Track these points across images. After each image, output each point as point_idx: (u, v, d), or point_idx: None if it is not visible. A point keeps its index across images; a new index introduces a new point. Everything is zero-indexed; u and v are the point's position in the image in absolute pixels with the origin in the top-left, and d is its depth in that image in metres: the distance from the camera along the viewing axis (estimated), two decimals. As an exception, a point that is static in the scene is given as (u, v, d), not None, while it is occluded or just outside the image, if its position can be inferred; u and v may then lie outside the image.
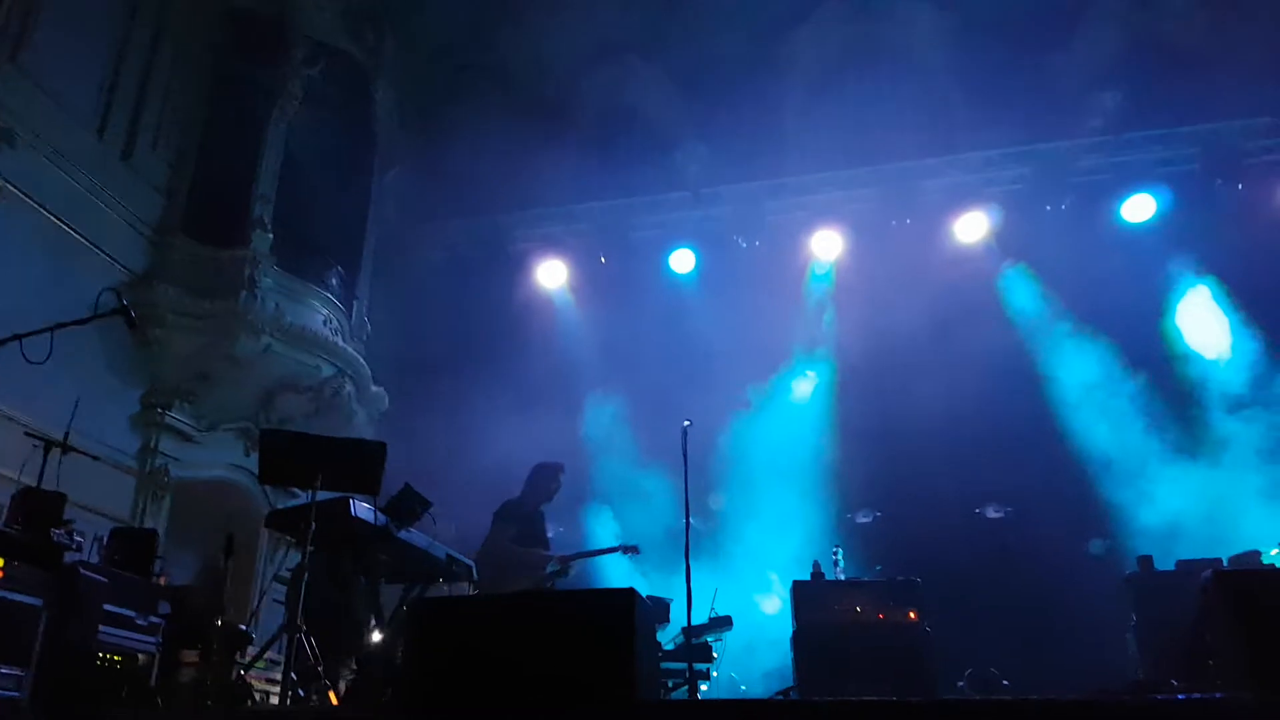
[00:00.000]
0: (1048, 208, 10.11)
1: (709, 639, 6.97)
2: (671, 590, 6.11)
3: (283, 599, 6.65)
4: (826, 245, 10.47)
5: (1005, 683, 6.86)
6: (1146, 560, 6.87)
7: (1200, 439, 8.58)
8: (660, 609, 6.94)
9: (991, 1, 10.23)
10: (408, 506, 4.75)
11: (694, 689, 6.17)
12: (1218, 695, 2.95)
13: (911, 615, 6.75)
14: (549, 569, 6.36)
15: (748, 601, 8.55)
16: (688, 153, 10.97)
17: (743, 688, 7.60)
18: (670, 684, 6.62)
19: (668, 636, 7.00)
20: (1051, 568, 8.19)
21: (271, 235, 8.96)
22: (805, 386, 10.32)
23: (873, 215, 10.53)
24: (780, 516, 9.18)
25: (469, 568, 5.48)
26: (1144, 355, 9.14)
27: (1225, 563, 6.28)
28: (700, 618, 6.79)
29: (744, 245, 10.88)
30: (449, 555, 5.22)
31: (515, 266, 11.31)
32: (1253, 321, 8.91)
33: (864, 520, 9.13)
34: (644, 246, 11.09)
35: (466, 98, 11.30)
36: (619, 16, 10.52)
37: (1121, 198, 9.77)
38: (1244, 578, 3.55)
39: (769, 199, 10.83)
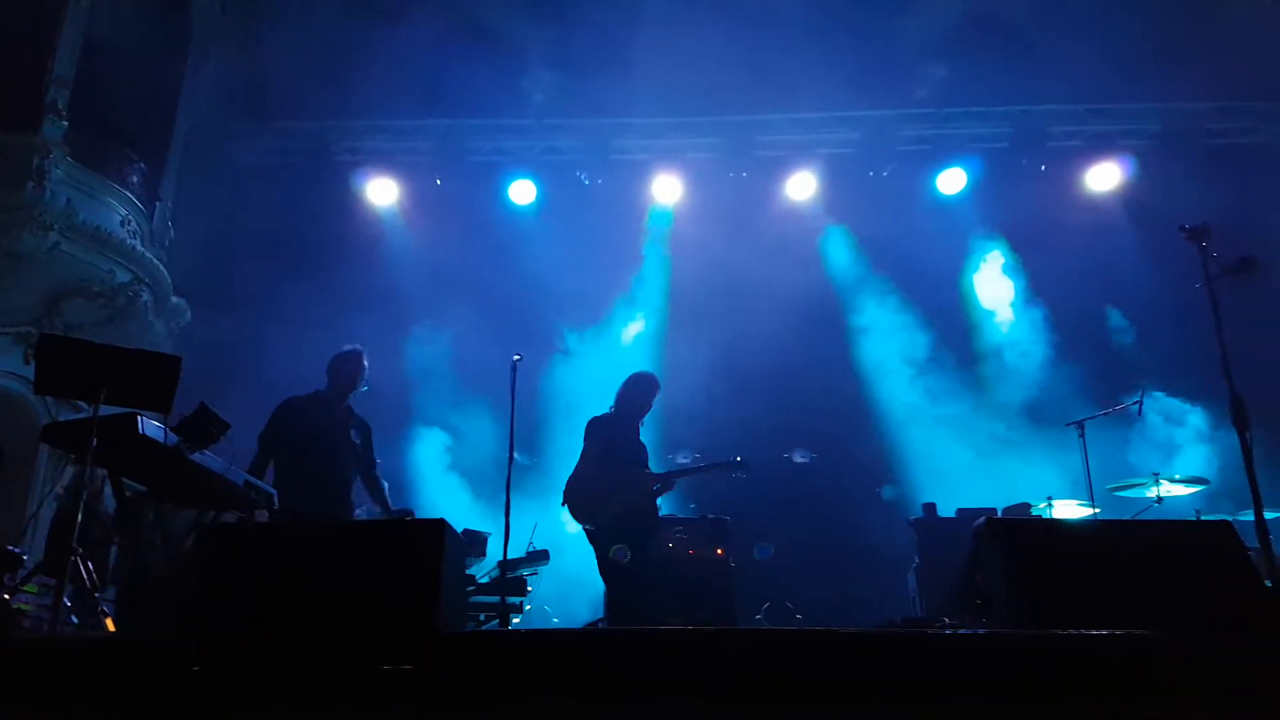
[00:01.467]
0: (870, 173, 10.57)
1: (524, 573, 7.00)
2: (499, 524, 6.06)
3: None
4: (667, 190, 10.52)
5: (799, 616, 7.33)
6: (930, 507, 7.42)
7: (986, 399, 9.37)
8: (477, 542, 6.91)
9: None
10: (202, 427, 4.43)
11: (505, 622, 6.20)
12: (980, 630, 3.21)
13: (719, 552, 7.07)
14: (654, 487, 5.81)
15: (570, 537, 8.65)
16: (535, 80, 10.64)
17: (555, 620, 7.72)
18: (482, 617, 6.62)
19: (484, 570, 7.00)
20: (849, 511, 8.76)
21: (66, 123, 8.18)
22: (635, 328, 10.42)
23: (712, 165, 10.69)
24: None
25: (269, 495, 5.16)
26: (944, 319, 9.87)
27: (999, 512, 6.87)
28: (519, 552, 6.84)
29: (586, 182, 10.76)
30: (247, 482, 4.94)
31: (342, 180, 10.63)
32: (1038, 294, 9.69)
33: (684, 461, 9.36)
34: (483, 172, 10.68)
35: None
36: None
37: (938, 169, 10.34)
38: (1012, 524, 3.91)
39: (615, 137, 10.72)
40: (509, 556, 6.05)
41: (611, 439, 5.78)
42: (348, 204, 10.62)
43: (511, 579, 6.54)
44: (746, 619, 7.06)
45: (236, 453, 4.73)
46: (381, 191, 10.61)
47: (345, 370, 5.82)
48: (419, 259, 10.28)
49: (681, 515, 7.69)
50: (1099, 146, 10.23)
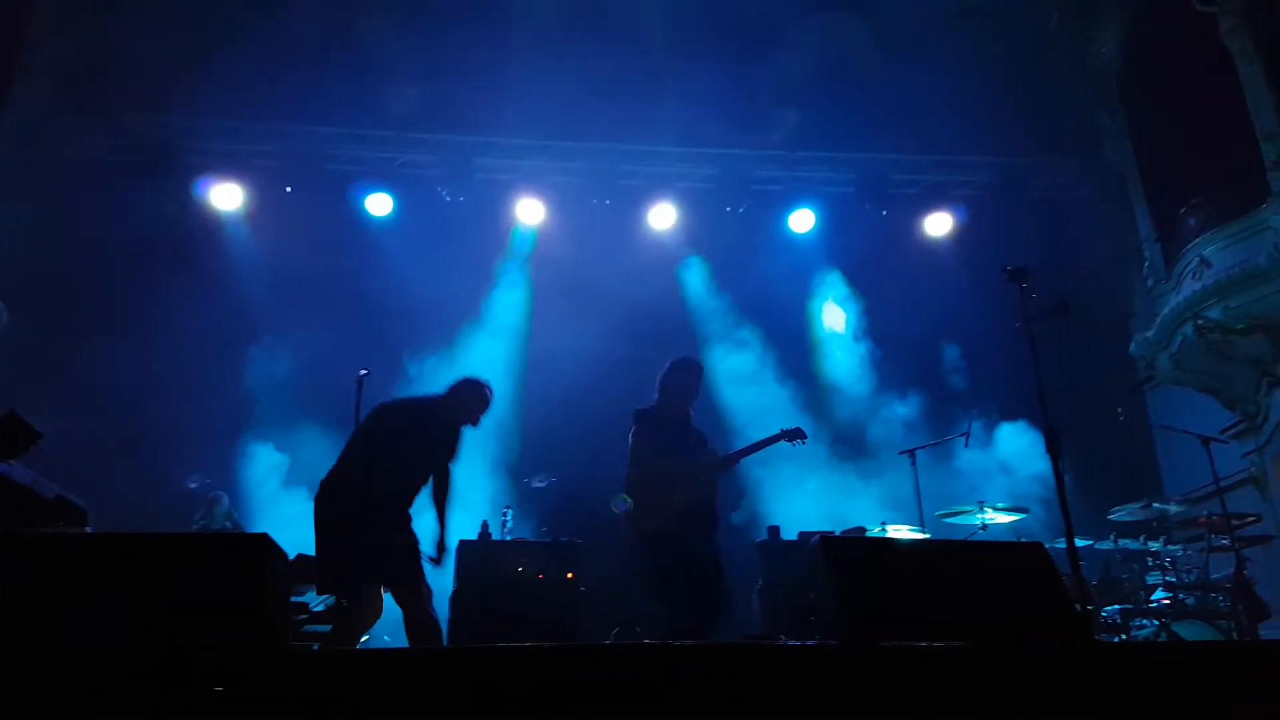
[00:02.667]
0: (727, 209, 10.91)
1: (364, 598, 6.74)
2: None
3: None
4: (530, 211, 10.51)
5: (648, 641, 7.36)
6: (774, 530, 7.64)
7: (829, 427, 9.77)
8: (310, 568, 6.62)
9: (711, 3, 10.79)
10: (10, 437, 4.10)
11: (342, 648, 5.94)
12: (810, 643, 3.33)
13: (569, 575, 7.03)
14: (714, 475, 5.50)
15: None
16: (399, 92, 10.44)
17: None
18: (316, 648, 6.33)
19: (319, 598, 6.71)
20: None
21: None
22: (494, 348, 10.30)
23: (576, 190, 10.76)
24: (461, 479, 9.11)
25: (82, 512, 4.79)
26: (792, 350, 10.29)
27: (837, 534, 7.14)
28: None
29: (448, 199, 10.61)
30: (59, 496, 4.58)
31: (185, 181, 10.05)
32: (878, 330, 10.20)
33: (539, 485, 9.32)
34: (338, 182, 10.37)
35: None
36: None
37: (790, 209, 10.83)
38: (842, 543, 4.08)
39: (479, 155, 10.63)
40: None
41: (660, 431, 5.50)
42: (191, 207, 10.07)
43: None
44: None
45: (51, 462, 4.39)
46: (227, 196, 10.12)
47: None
48: (264, 268, 9.85)
49: (533, 539, 7.63)
50: (936, 195, 10.96)
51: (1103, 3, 9.40)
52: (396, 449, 5.05)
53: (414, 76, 10.16)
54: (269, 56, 9.31)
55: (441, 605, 6.49)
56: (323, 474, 7.98)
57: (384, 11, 10.04)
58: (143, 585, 2.85)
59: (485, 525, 7.53)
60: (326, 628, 6.22)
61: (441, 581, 7.59)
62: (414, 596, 4.70)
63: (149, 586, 2.84)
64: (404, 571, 4.74)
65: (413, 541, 4.90)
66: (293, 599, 6.53)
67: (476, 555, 6.79)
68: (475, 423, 5.46)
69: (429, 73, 10.13)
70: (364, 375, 6.13)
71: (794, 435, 5.90)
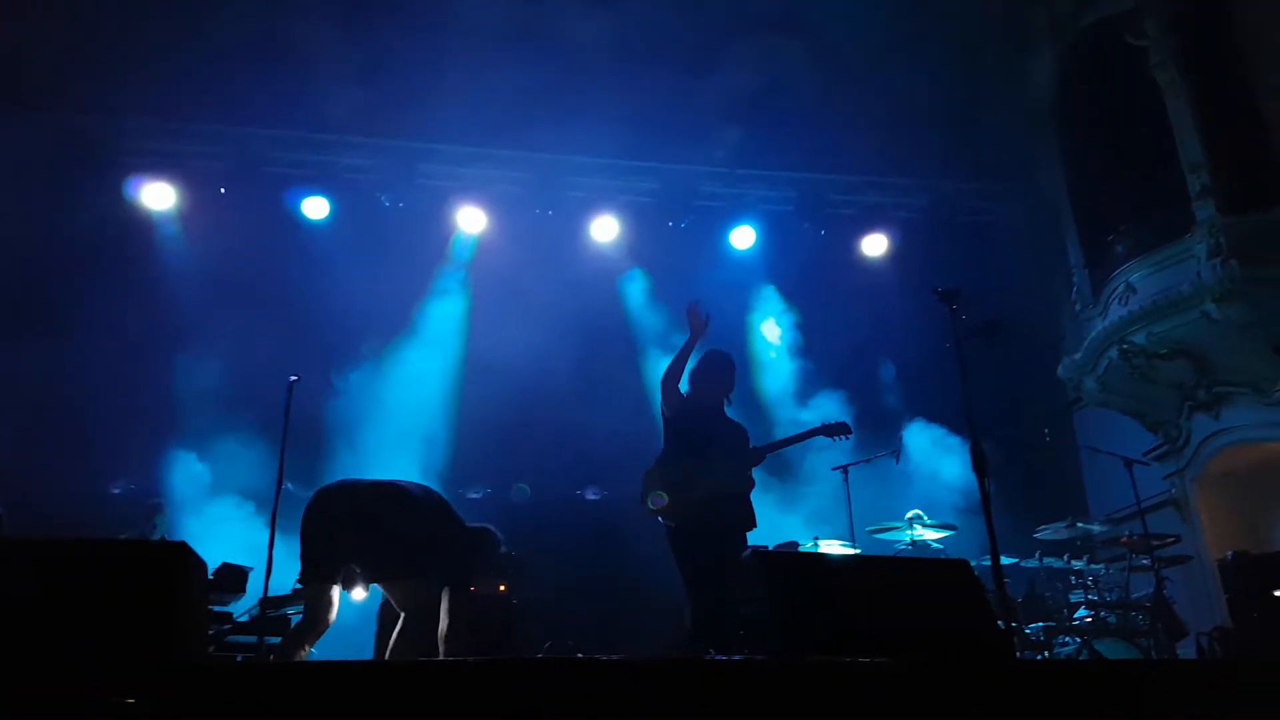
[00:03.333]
0: (670, 224, 10.96)
1: (288, 611, 6.60)
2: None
3: None
4: (471, 219, 10.41)
5: (580, 654, 7.30)
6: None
7: (763, 442, 9.80)
8: (235, 577, 6.46)
9: (654, 21, 10.86)
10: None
11: (264, 663, 5.79)
12: (736, 657, 3.32)
13: (501, 588, 6.95)
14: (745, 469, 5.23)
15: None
16: (339, 96, 10.27)
17: (319, 660, 7.29)
18: (240, 659, 6.17)
19: (243, 607, 6.55)
20: (637, 548, 8.84)
21: None
22: (431, 355, 10.19)
23: (519, 199, 10.70)
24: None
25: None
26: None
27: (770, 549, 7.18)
28: (284, 589, 6.45)
29: (387, 204, 10.46)
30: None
31: (113, 180, 9.73)
32: (815, 347, 10.33)
33: (475, 496, 9.22)
34: (273, 184, 10.13)
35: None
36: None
37: (731, 225, 10.92)
38: (774, 557, 4.11)
39: (420, 162, 10.51)
40: (271, 594, 5.70)
41: (689, 424, 5.31)
42: (121, 206, 9.76)
43: (273, 618, 6.15)
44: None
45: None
46: (158, 195, 9.82)
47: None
48: (196, 270, 9.59)
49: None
50: (873, 215, 11.16)
51: (1038, 33, 9.66)
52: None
53: (354, 80, 10.01)
54: (203, 55, 9.11)
55: (368, 620, 6.39)
56: (252, 481, 7.81)
57: (323, 14, 9.90)
58: (51, 593, 2.74)
59: (417, 537, 7.40)
60: (251, 638, 6.07)
61: (370, 596, 7.51)
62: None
63: (57, 594, 2.73)
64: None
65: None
66: (217, 609, 6.38)
67: (407, 568, 6.65)
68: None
69: (370, 77, 10.00)
70: (294, 381, 5.99)
71: (837, 430, 5.68)
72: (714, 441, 5.28)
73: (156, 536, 7.96)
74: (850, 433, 5.67)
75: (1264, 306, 7.52)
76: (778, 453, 5.75)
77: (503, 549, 5.07)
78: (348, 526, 4.54)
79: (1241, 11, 8.32)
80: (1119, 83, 8.81)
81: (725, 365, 5.54)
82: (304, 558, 4.59)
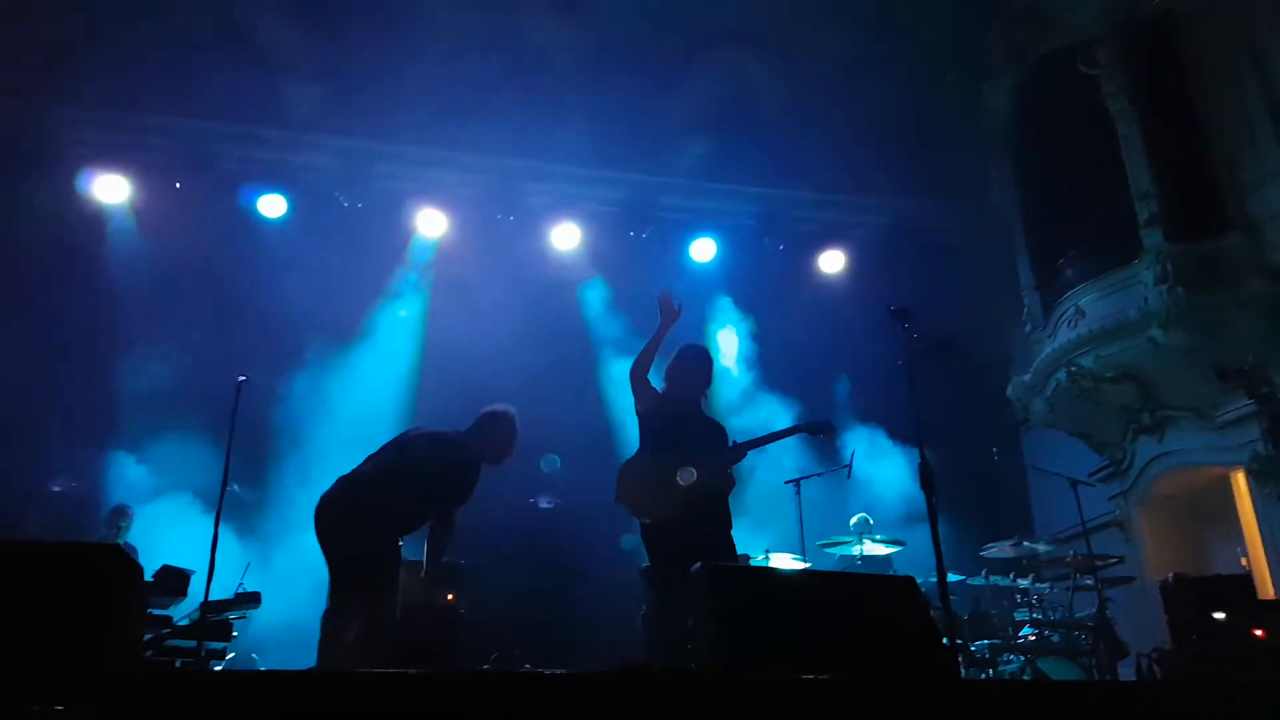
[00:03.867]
0: (631, 234, 10.96)
1: (230, 616, 6.47)
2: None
3: None
4: (431, 222, 10.32)
5: (526, 666, 7.24)
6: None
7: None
8: (176, 580, 6.31)
9: (621, 31, 10.90)
10: None
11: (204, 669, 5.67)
12: (676, 669, 3.31)
13: (450, 598, 6.85)
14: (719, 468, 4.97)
15: (286, 578, 8.09)
16: (299, 92, 10.14)
17: (261, 668, 7.16)
18: (179, 663, 6.03)
19: (183, 611, 6.41)
20: (588, 559, 8.83)
21: None
22: (385, 357, 10.08)
23: (480, 203, 10.62)
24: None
25: None
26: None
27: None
28: (226, 593, 6.34)
29: (345, 204, 10.32)
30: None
31: (64, 174, 9.44)
32: (771, 360, 10.39)
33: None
34: (230, 180, 9.92)
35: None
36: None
37: (691, 237, 10.96)
38: (720, 571, 4.04)
39: (379, 162, 10.38)
40: (213, 598, 5.59)
41: (664, 420, 5.06)
42: (71, 200, 9.51)
43: (215, 622, 6.03)
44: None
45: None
46: (111, 189, 9.59)
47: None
48: (147, 265, 9.36)
49: (413, 558, 7.41)
50: (831, 232, 11.27)
51: (995, 59, 9.84)
52: (418, 485, 4.98)
53: (314, 77, 9.89)
54: (162, 45, 8.94)
55: (312, 628, 6.29)
56: (196, 482, 7.62)
57: (284, 9, 9.77)
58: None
59: (366, 544, 7.30)
60: (190, 643, 5.94)
61: (313, 602, 7.40)
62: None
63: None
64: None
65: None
66: (156, 612, 6.24)
67: (354, 574, 6.55)
68: (499, 462, 5.32)
69: (329, 74, 9.89)
70: (243, 381, 5.89)
71: (820, 428, 5.44)
72: (691, 437, 5.05)
73: (121, 541, 7.75)
74: (834, 431, 5.45)
75: (1208, 333, 7.69)
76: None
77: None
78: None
79: (1189, 44, 8.55)
80: (1072, 110, 9.00)
81: (702, 358, 5.31)
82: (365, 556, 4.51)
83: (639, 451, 5.17)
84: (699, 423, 5.20)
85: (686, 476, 4.87)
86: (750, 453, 5.27)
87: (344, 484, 4.99)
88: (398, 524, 4.97)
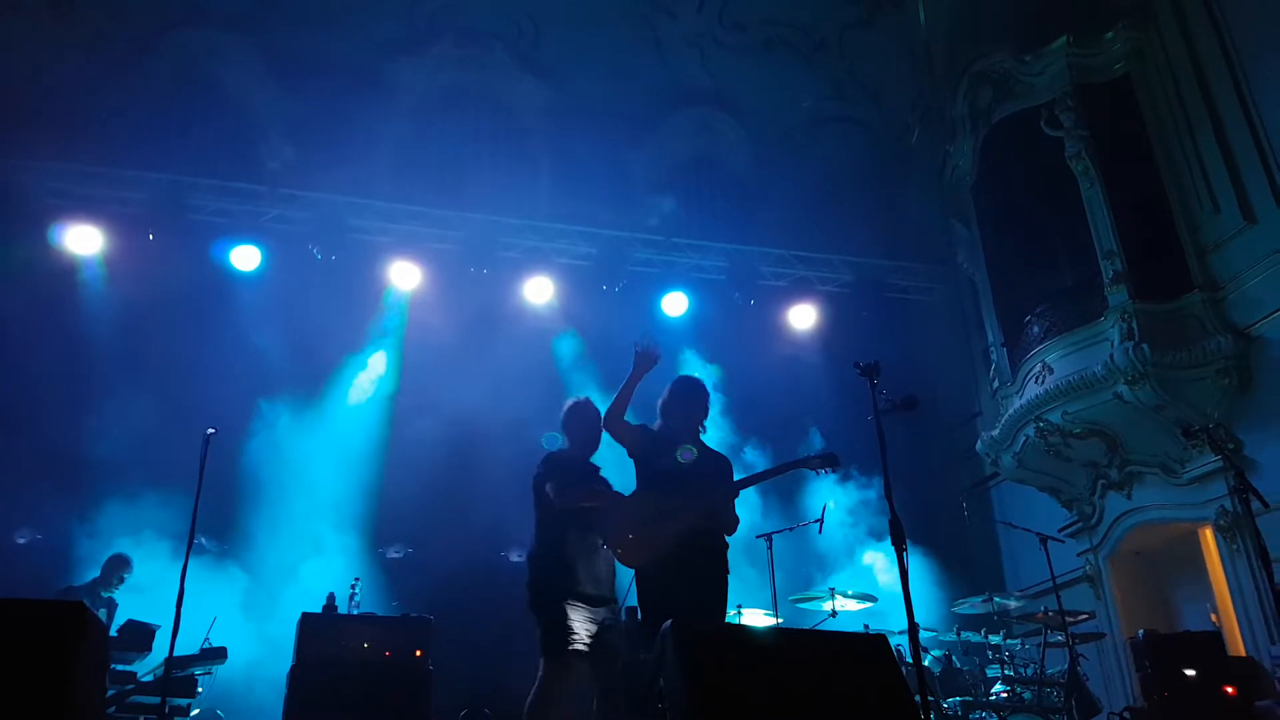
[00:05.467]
0: (604, 287, 11.06)
1: (195, 672, 6.35)
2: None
3: None
4: (405, 275, 10.34)
5: (491, 724, 7.12)
6: (632, 610, 7.55)
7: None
8: (141, 635, 6.19)
9: (589, 90, 11.15)
10: None
11: (166, 726, 5.54)
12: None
13: (418, 654, 6.74)
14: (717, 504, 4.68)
15: (253, 633, 7.94)
16: (273, 148, 10.24)
17: (225, 727, 6.99)
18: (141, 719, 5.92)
19: (147, 667, 6.29)
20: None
21: None
22: (358, 410, 10.03)
23: (454, 257, 10.69)
24: (312, 545, 8.75)
25: None
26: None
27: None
28: (191, 648, 6.23)
29: (319, 256, 10.33)
30: None
31: (36, 223, 9.40)
32: (742, 414, 10.39)
33: (395, 555, 9.01)
34: (203, 233, 9.90)
35: (14, 16, 9.54)
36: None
37: (663, 291, 11.06)
38: (691, 629, 3.97)
39: (352, 216, 10.42)
40: (178, 653, 5.47)
41: (659, 458, 4.80)
42: (42, 252, 9.44)
43: (179, 678, 5.92)
44: (439, 726, 6.75)
45: None
46: (83, 240, 9.48)
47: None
48: (116, 317, 9.31)
49: (382, 613, 7.32)
50: (801, 288, 11.42)
51: (959, 120, 10.08)
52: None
53: (288, 131, 10.01)
54: (141, 102, 9.02)
55: (279, 684, 6.16)
56: (164, 534, 7.47)
57: (258, 71, 9.91)
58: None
59: (331, 597, 7.19)
60: (155, 699, 5.81)
61: (280, 657, 7.27)
62: None
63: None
64: None
65: None
66: (120, 668, 6.13)
67: (319, 630, 6.44)
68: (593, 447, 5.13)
69: (304, 132, 10.02)
70: (211, 434, 5.83)
71: (824, 462, 4.99)
72: (686, 474, 4.78)
73: (115, 593, 7.52)
74: (839, 465, 5.04)
75: (1174, 390, 7.78)
76: None
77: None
78: None
79: (1149, 105, 8.83)
80: (1035, 169, 9.19)
81: (697, 388, 5.07)
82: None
83: (633, 493, 4.92)
84: (700, 454, 4.94)
85: (687, 455, 4.74)
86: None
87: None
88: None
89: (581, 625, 4.74)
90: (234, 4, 10.33)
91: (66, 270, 9.50)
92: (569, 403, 5.32)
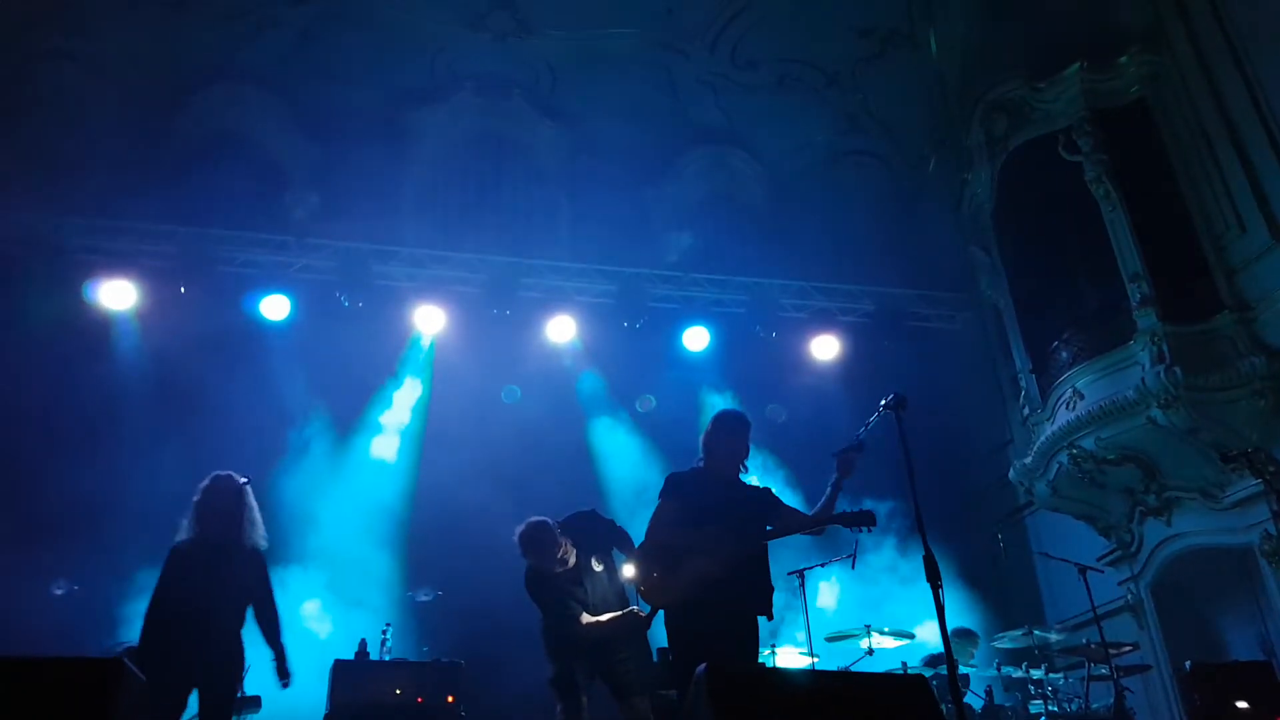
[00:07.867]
0: (625, 324, 11.08)
1: (230, 722, 6.32)
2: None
3: None
4: (429, 319, 10.45)
5: (528, 770, 7.03)
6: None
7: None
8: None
9: (606, 132, 11.28)
10: None
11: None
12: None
13: (450, 699, 6.72)
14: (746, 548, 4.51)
15: (292, 681, 7.92)
16: (298, 197, 10.42)
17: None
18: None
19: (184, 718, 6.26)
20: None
21: None
22: (387, 453, 10.11)
23: (477, 300, 10.78)
24: (343, 590, 8.78)
25: None
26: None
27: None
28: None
29: (346, 304, 10.46)
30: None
31: (70, 278, 9.60)
32: (767, 448, 10.33)
33: (425, 598, 9.00)
34: (233, 284, 10.07)
35: (46, 77, 9.83)
36: (248, 36, 9.91)
37: (683, 326, 11.05)
38: (726, 672, 3.86)
39: (377, 263, 10.56)
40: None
41: (693, 497, 4.65)
42: (73, 303, 9.63)
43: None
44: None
45: None
46: (117, 294, 9.66)
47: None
48: (149, 367, 9.47)
49: (413, 659, 7.31)
50: (822, 320, 11.38)
51: (976, 149, 10.05)
52: None
53: (313, 185, 10.18)
54: (170, 158, 9.22)
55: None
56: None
57: (284, 123, 10.11)
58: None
59: (363, 644, 7.21)
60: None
61: (314, 705, 7.24)
62: None
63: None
64: None
65: None
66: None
67: (351, 676, 6.47)
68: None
69: (329, 182, 10.18)
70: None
71: (860, 520, 4.76)
72: (727, 516, 4.57)
73: None
74: (874, 524, 4.79)
75: (1208, 413, 7.61)
76: None
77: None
78: None
79: (1168, 127, 8.77)
80: (1056, 194, 9.10)
81: (743, 423, 4.95)
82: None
83: (651, 531, 4.73)
84: (737, 492, 4.83)
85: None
86: None
87: None
88: None
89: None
90: (259, 59, 10.59)
91: (101, 324, 9.68)
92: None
